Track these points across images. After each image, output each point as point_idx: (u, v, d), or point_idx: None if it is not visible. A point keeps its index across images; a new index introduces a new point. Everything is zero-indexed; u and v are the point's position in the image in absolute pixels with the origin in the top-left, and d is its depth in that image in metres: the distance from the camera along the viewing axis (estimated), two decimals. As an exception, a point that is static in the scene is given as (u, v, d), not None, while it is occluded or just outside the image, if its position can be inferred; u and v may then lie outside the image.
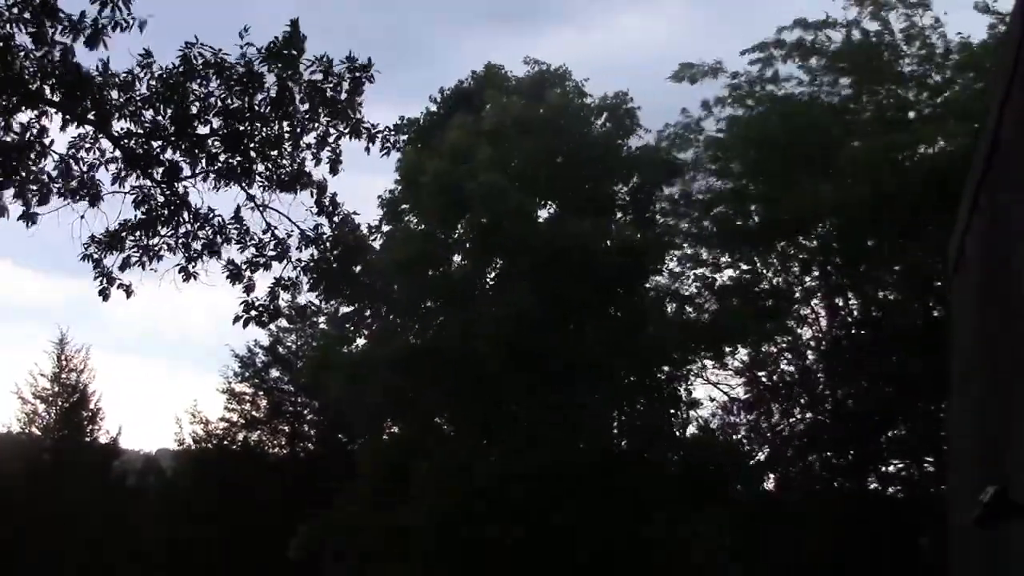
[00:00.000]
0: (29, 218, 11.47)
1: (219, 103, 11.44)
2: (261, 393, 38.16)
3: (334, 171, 12.01)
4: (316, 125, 11.85)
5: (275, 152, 11.85)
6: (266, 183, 11.99)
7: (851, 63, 25.96)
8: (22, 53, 10.76)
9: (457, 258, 28.03)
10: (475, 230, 26.42)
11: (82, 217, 11.68)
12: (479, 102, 28.04)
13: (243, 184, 11.97)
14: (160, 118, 11.48)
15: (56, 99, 11.10)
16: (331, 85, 11.60)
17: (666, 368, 27.04)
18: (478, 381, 25.25)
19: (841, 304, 27.17)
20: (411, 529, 24.50)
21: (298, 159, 12.00)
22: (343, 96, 11.68)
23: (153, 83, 11.26)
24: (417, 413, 27.07)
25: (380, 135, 11.91)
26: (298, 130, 11.78)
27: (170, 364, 73.45)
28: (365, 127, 11.87)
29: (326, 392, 31.06)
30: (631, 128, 27.58)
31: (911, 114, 25.63)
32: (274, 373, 38.48)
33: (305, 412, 38.63)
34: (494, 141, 26.29)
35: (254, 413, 38.18)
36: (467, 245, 27.44)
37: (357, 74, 11.54)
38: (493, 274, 27.76)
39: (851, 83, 26.37)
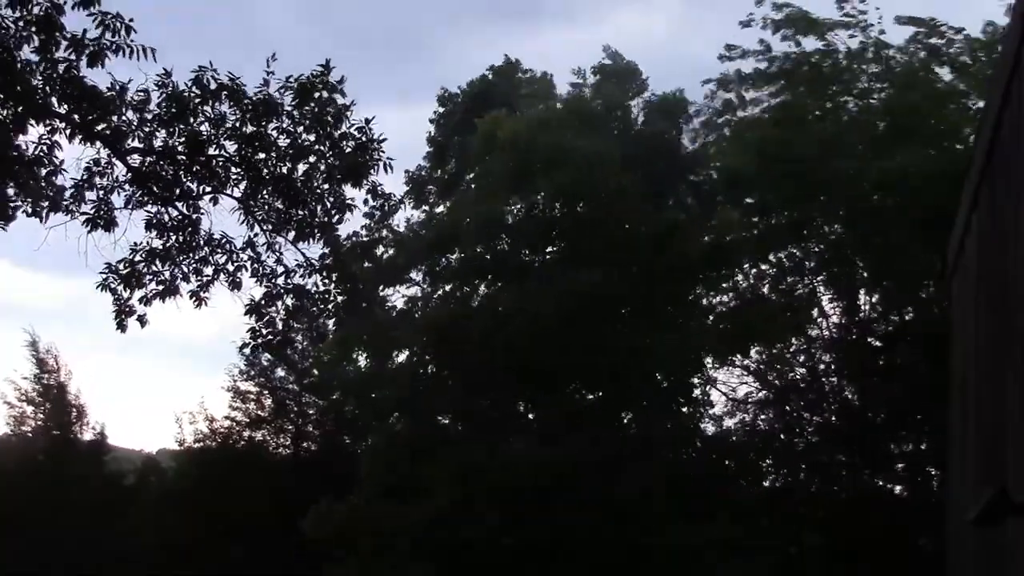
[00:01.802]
0: (36, 215, 11.60)
1: (233, 128, 11.62)
2: (266, 392, 38.21)
3: (340, 221, 12.36)
4: (330, 175, 12.12)
5: (291, 190, 12.04)
6: (275, 223, 12.18)
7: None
8: (29, 68, 10.91)
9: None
10: (556, 197, 25.94)
11: (89, 233, 11.80)
12: (501, 97, 27.98)
13: (255, 216, 12.12)
14: (171, 140, 11.64)
15: (63, 111, 11.22)
16: (349, 149, 11.93)
17: (705, 368, 27.00)
18: (516, 357, 24.90)
19: (851, 303, 27.15)
20: (420, 527, 24.41)
21: (312, 205, 12.21)
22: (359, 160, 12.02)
23: (166, 103, 11.41)
24: (436, 403, 26.99)
25: (382, 194, 12.38)
26: (314, 174, 12.05)
27: (173, 364, 73.45)
28: (379, 193, 12.30)
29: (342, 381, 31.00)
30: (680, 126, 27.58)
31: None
32: (279, 372, 38.56)
33: (310, 412, 38.68)
34: (573, 124, 26.17)
35: (259, 412, 38.22)
36: (536, 214, 26.95)
37: (372, 144, 11.94)
38: (552, 249, 27.21)
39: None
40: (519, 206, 27.19)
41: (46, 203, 11.54)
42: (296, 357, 38.08)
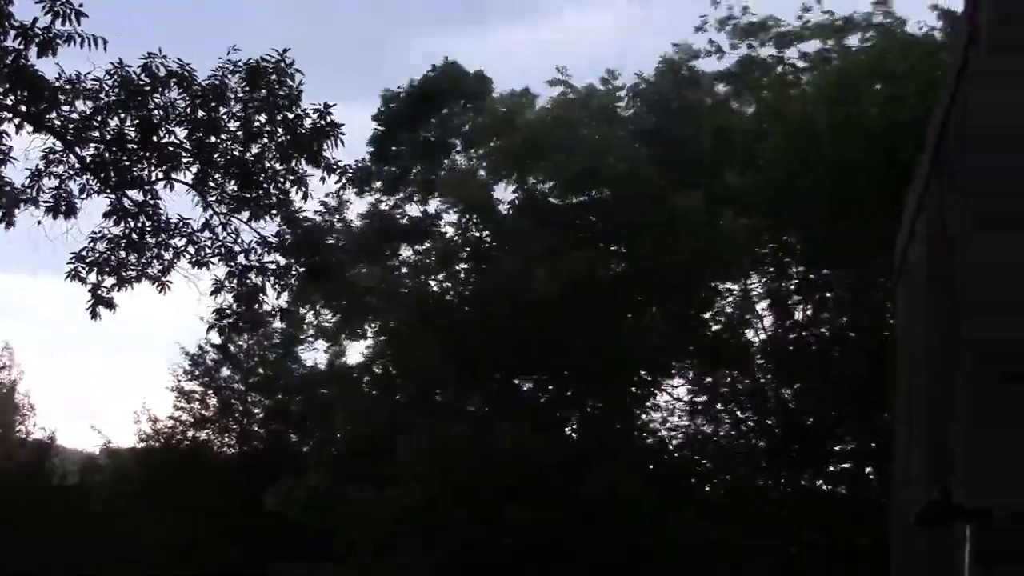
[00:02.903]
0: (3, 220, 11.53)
1: (184, 113, 11.58)
2: (211, 392, 38.00)
3: (305, 197, 12.32)
4: (284, 155, 12.07)
5: (243, 172, 11.99)
6: (233, 203, 12.12)
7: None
8: None
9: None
10: (568, 173, 25.53)
11: (39, 223, 11.73)
12: (443, 98, 28.14)
13: (208, 198, 12.06)
14: (123, 127, 11.56)
15: (10, 103, 11.09)
16: (305, 129, 11.88)
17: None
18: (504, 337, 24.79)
19: (790, 305, 27.38)
20: (394, 510, 24.21)
21: (267, 185, 12.17)
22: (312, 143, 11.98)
23: (117, 90, 11.34)
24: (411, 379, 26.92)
25: (341, 171, 12.30)
26: (266, 154, 12.01)
27: (124, 361, 72.54)
28: (333, 165, 12.23)
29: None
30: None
31: None
32: (225, 372, 38.33)
33: (256, 411, 38.47)
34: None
35: (203, 412, 37.98)
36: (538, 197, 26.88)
37: (327, 128, 11.91)
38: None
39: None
40: (520, 187, 27.21)
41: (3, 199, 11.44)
42: (242, 356, 37.85)
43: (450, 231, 27.99)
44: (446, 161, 28.85)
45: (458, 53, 62.30)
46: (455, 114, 28.36)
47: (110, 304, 12.12)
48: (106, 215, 12.00)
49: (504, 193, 27.39)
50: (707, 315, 27.31)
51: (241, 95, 11.71)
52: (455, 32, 66.56)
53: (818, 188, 24.17)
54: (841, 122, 23.79)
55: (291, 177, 12.05)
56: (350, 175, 12.61)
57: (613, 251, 26.26)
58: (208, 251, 12.20)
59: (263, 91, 11.69)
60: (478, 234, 27.43)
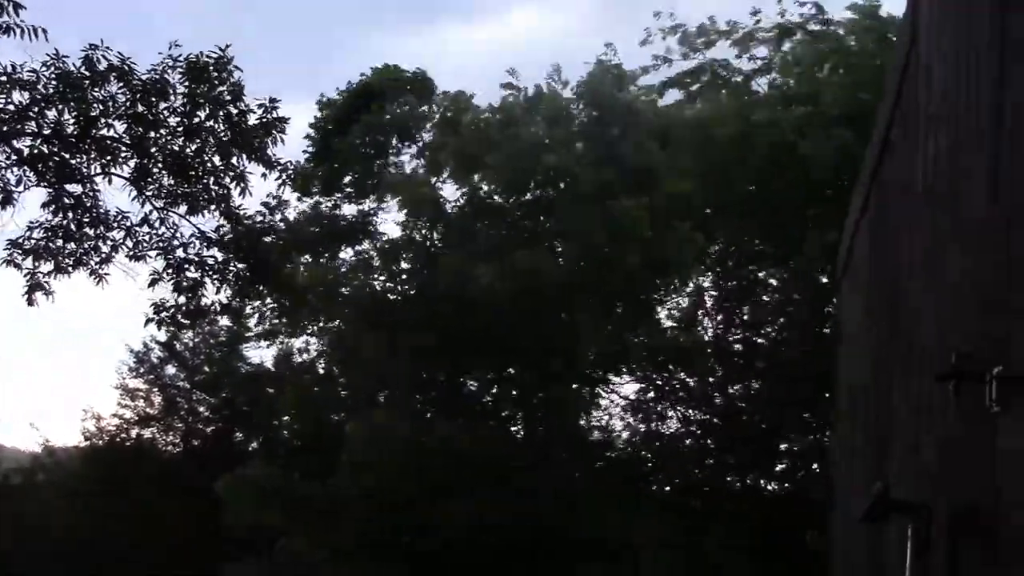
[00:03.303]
0: None
1: (124, 107, 11.43)
2: (156, 390, 37.82)
3: (243, 192, 12.20)
4: (225, 151, 11.93)
5: (181, 166, 11.86)
6: (171, 198, 12.01)
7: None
8: None
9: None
10: (509, 172, 25.49)
11: None
12: (383, 100, 28.11)
13: (146, 192, 11.92)
14: (61, 119, 11.41)
15: None
16: (248, 124, 11.75)
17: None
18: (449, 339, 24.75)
19: (732, 304, 27.57)
20: (338, 501, 24.09)
21: (206, 180, 12.04)
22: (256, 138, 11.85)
23: (56, 83, 11.17)
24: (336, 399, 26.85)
25: (283, 168, 12.23)
26: (206, 149, 11.87)
27: (69, 360, 71.53)
28: (274, 162, 12.14)
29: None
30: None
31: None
32: (170, 370, 38.14)
33: (201, 409, 38.26)
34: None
35: (148, 410, 37.77)
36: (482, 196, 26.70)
37: (273, 122, 11.82)
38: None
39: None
40: (464, 187, 27.15)
41: None
42: (188, 355, 37.62)
43: (394, 231, 27.94)
44: (391, 161, 28.82)
45: (410, 53, 62.34)
46: (397, 115, 28.33)
47: (46, 290, 11.98)
48: (44, 206, 11.86)
49: (448, 193, 27.39)
50: (658, 315, 27.45)
51: (182, 90, 11.58)
52: (409, 31, 66.47)
53: (761, 185, 24.38)
54: (793, 121, 24.00)
55: (231, 173, 11.94)
56: (291, 172, 12.55)
57: (558, 251, 26.25)
58: (146, 244, 12.07)
59: (204, 86, 11.58)
60: (423, 234, 27.34)
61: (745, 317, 27.08)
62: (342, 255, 28.36)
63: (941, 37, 7.58)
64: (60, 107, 11.31)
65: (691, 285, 27.41)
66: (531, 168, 24.87)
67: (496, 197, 26.52)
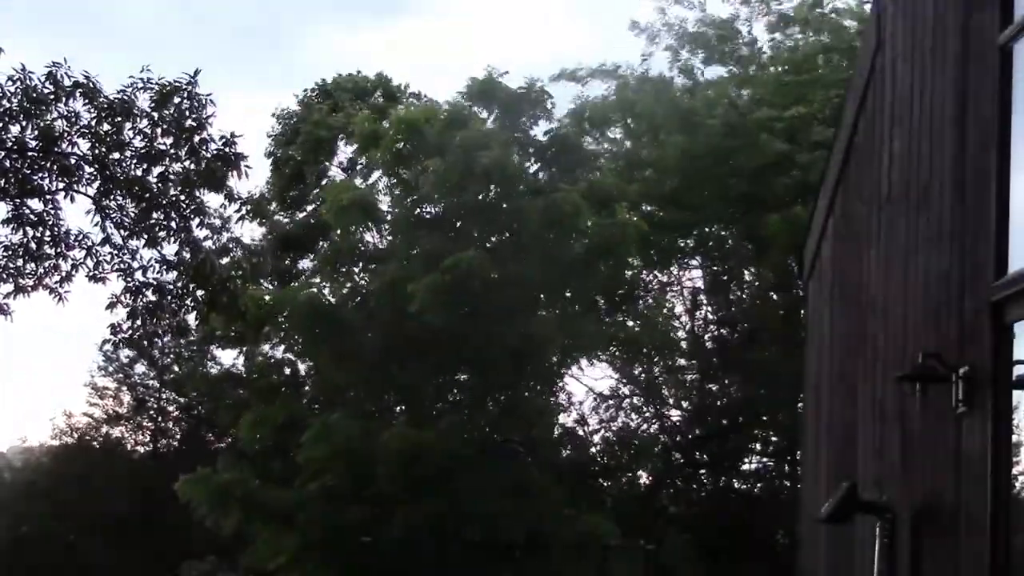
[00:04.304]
0: None
1: (87, 126, 11.39)
2: (125, 388, 37.63)
3: (201, 225, 12.24)
4: (187, 182, 11.95)
5: (144, 196, 11.83)
6: (132, 225, 11.97)
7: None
8: None
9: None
10: (444, 172, 25.46)
11: None
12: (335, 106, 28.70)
13: (109, 213, 11.88)
14: (24, 135, 11.34)
15: None
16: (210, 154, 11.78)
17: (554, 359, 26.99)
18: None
19: (705, 301, 27.68)
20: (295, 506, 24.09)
21: (167, 210, 12.03)
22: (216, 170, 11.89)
23: (19, 98, 11.10)
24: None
25: (244, 202, 12.32)
26: (168, 177, 11.86)
27: (40, 358, 70.81)
28: (235, 196, 12.22)
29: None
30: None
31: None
32: (140, 368, 37.95)
33: (170, 408, 38.10)
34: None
35: (117, 409, 37.58)
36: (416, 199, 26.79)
37: (233, 158, 11.84)
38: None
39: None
40: (398, 190, 27.11)
41: None
42: (157, 354, 37.45)
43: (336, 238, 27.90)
44: (332, 166, 29.18)
45: (365, 48, 61.73)
46: (338, 120, 28.38)
47: (5, 311, 11.93)
48: (4, 222, 11.77)
49: (385, 197, 27.37)
50: (621, 310, 27.52)
51: (148, 111, 11.54)
52: (365, 24, 66.00)
53: (732, 184, 24.52)
54: (756, 122, 24.12)
55: (192, 206, 11.95)
56: (250, 207, 12.68)
57: (498, 249, 26.02)
58: (107, 266, 12.02)
59: (171, 110, 11.55)
60: (362, 240, 27.24)
61: (720, 313, 27.19)
62: (296, 265, 28.44)
63: (905, 40, 7.66)
64: (24, 123, 11.20)
65: (657, 276, 27.45)
66: (464, 167, 24.85)
67: (436, 196, 26.42)
